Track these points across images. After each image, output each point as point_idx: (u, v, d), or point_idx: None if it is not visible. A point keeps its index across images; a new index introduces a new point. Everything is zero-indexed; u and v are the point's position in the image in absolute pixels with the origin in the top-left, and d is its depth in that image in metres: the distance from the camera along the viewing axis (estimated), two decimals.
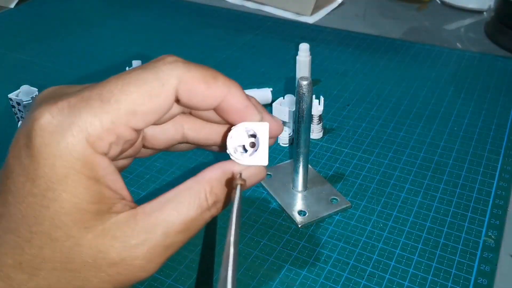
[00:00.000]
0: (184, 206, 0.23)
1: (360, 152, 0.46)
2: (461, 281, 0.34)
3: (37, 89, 0.50)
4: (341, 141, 0.48)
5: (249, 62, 0.64)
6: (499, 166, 0.44)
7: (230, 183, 0.25)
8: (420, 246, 0.36)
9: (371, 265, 0.35)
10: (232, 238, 0.21)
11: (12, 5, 0.83)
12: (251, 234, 0.38)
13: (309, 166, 0.42)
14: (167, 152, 0.47)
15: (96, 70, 0.63)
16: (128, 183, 0.43)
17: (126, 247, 0.22)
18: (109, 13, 0.80)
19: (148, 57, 0.63)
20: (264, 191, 0.42)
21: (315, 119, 0.47)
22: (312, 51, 0.51)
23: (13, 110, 0.50)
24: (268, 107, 0.52)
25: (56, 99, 0.22)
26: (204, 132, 0.27)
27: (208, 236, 0.37)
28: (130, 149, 0.26)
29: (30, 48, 0.69)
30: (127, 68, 0.55)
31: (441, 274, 0.34)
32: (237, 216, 0.22)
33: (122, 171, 0.27)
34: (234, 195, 0.23)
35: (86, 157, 0.22)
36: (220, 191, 0.24)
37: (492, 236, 0.37)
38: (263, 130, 0.25)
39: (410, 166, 0.44)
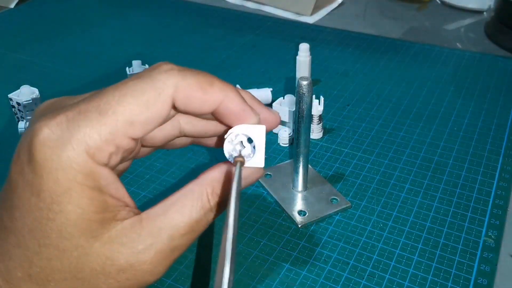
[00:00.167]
0: (187, 209, 0.24)
1: (360, 152, 0.46)
2: (461, 281, 0.34)
3: (37, 89, 0.50)
4: (341, 141, 0.48)
5: (249, 62, 0.64)
6: (499, 166, 0.44)
7: (230, 184, 0.25)
8: (420, 246, 0.36)
9: (371, 265, 0.35)
10: (231, 219, 0.21)
11: (12, 5, 0.83)
12: (251, 234, 0.38)
13: (309, 166, 0.42)
14: (167, 152, 0.47)
15: (96, 70, 0.63)
16: (128, 183, 0.43)
17: (134, 253, 0.23)
18: (109, 13, 0.80)
19: (148, 57, 0.63)
20: (264, 191, 0.42)
21: (315, 119, 0.47)
22: (312, 51, 0.51)
23: (13, 110, 0.50)
24: (268, 107, 0.52)
25: (54, 113, 0.23)
26: (201, 124, 0.28)
27: (205, 234, 0.37)
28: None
29: (30, 48, 0.69)
30: (127, 68, 0.55)
31: (441, 274, 0.34)
32: (236, 196, 0.22)
33: (122, 174, 0.27)
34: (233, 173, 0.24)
35: (87, 168, 0.22)
36: (222, 192, 0.25)
37: (492, 236, 0.37)
38: (259, 133, 0.25)
39: (410, 166, 0.44)
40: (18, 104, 0.49)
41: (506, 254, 0.36)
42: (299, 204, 0.40)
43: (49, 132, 0.22)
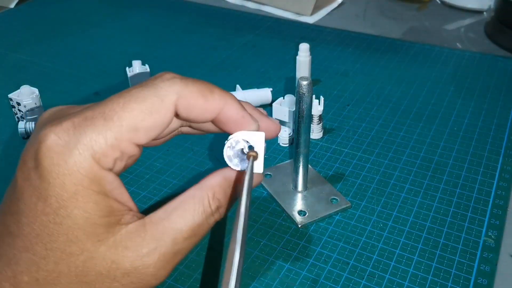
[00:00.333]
0: (189, 213, 0.25)
1: (360, 152, 0.46)
2: (461, 281, 0.34)
3: (37, 89, 0.50)
4: (341, 141, 0.48)
5: (249, 62, 0.64)
6: (499, 166, 0.44)
7: (231, 189, 0.26)
8: (420, 246, 0.36)
9: (371, 265, 0.35)
10: (242, 210, 0.22)
11: (12, 5, 0.83)
12: (251, 234, 0.38)
13: (309, 166, 0.42)
14: (167, 152, 0.47)
15: (96, 70, 0.63)
16: (128, 183, 0.43)
17: (138, 256, 0.23)
18: (109, 13, 0.80)
19: (148, 57, 0.63)
20: (264, 191, 0.42)
21: (315, 119, 0.47)
22: (312, 51, 0.51)
23: (13, 110, 0.50)
24: (268, 107, 0.53)
25: (60, 120, 0.23)
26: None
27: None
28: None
29: (30, 48, 0.69)
30: (127, 68, 0.55)
31: (441, 274, 0.34)
32: (248, 188, 0.23)
33: (125, 169, 0.28)
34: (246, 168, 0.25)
35: (93, 173, 0.23)
36: (222, 197, 0.26)
37: (492, 236, 0.37)
38: (258, 139, 0.26)
39: (410, 166, 0.44)
40: (18, 104, 0.49)
41: (506, 254, 0.36)
42: (299, 204, 0.40)
43: (56, 138, 0.22)
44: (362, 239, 0.37)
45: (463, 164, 0.44)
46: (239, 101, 0.26)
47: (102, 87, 0.58)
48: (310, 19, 0.75)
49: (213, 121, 0.26)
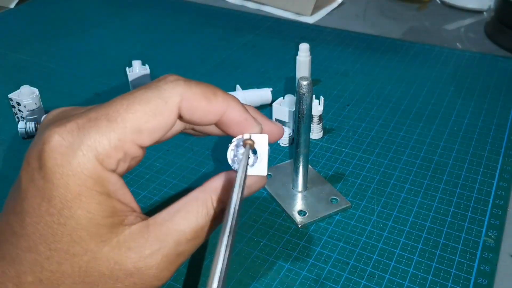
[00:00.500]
0: (193, 215, 0.25)
1: (360, 152, 0.46)
2: (461, 281, 0.34)
3: (37, 89, 0.50)
4: (341, 141, 0.48)
5: (249, 62, 0.64)
6: (499, 166, 0.44)
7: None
8: (420, 246, 0.36)
9: (371, 265, 0.35)
10: (233, 203, 0.22)
11: (12, 5, 0.83)
12: (251, 234, 0.38)
13: (309, 166, 0.42)
14: (167, 152, 0.47)
15: (96, 70, 0.63)
16: (128, 183, 0.43)
17: (141, 257, 0.24)
18: (109, 13, 0.80)
19: (148, 57, 0.63)
20: (264, 191, 0.42)
21: (315, 119, 0.47)
22: (312, 51, 0.51)
23: (13, 110, 0.50)
24: (268, 107, 0.53)
25: (64, 121, 0.23)
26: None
27: None
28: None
29: (30, 48, 0.69)
30: (127, 68, 0.55)
31: (441, 274, 0.34)
32: (241, 178, 0.23)
33: (128, 171, 0.28)
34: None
35: (96, 174, 0.23)
36: (226, 199, 0.26)
37: (492, 236, 0.37)
38: (262, 142, 0.27)
39: (410, 166, 0.44)
40: (18, 104, 0.49)
41: (506, 254, 0.36)
42: (299, 204, 0.40)
43: (60, 139, 0.22)
44: (362, 239, 0.37)
45: (463, 164, 0.44)
46: (242, 104, 0.27)
47: (102, 87, 0.58)
48: (310, 19, 0.75)
49: (216, 124, 0.27)
